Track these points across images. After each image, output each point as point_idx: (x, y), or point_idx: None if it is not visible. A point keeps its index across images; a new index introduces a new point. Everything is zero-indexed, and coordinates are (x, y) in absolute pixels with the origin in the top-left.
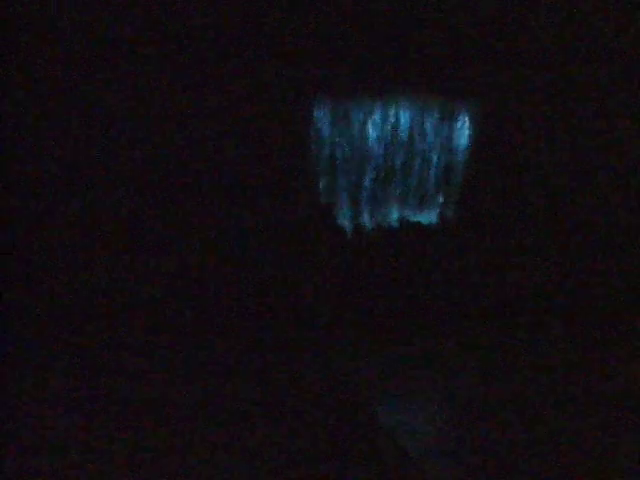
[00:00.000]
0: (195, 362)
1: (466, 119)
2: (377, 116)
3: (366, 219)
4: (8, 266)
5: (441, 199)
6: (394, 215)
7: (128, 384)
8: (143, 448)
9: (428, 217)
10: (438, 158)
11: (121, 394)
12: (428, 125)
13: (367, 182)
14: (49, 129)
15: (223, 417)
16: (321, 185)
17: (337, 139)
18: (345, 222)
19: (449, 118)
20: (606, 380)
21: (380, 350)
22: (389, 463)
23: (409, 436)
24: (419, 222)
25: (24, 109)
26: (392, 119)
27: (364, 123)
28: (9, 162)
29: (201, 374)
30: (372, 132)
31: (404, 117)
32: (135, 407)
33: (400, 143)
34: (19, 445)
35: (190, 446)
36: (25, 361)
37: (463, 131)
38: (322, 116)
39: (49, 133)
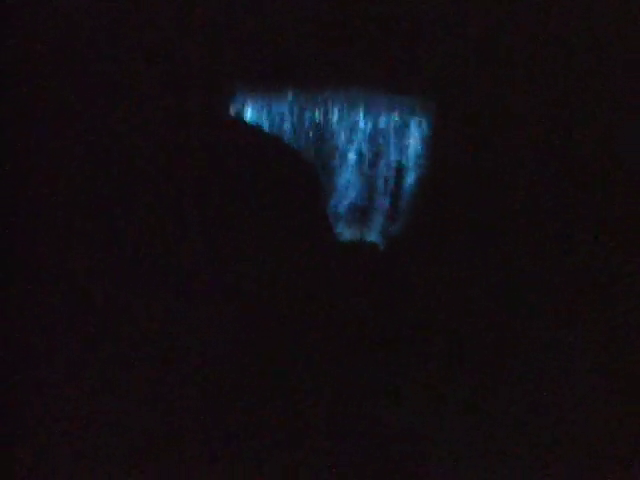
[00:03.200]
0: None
1: (420, 122)
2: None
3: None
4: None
5: (385, 216)
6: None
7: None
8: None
9: (371, 235)
10: (386, 165)
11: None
12: (375, 127)
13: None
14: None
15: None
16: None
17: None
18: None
19: (399, 119)
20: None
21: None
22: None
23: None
24: (359, 241)
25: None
26: (333, 120)
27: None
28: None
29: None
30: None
31: (349, 118)
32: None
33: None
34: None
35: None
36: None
37: (417, 135)
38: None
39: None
